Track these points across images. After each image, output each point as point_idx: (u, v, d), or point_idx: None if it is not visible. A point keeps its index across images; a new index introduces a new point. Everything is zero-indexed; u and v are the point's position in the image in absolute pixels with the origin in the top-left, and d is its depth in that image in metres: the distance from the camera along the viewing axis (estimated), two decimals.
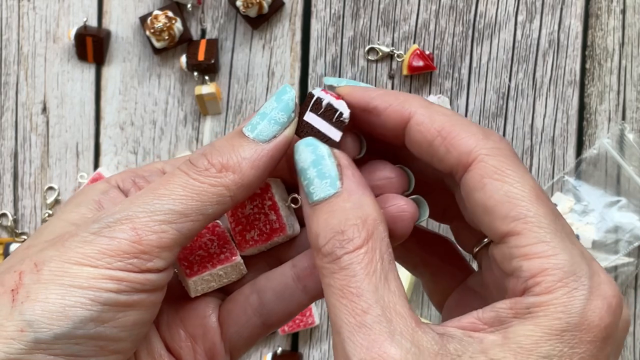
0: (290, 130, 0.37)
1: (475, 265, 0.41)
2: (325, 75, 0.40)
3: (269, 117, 0.36)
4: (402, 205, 0.37)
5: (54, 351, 0.33)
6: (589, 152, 0.79)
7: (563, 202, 0.79)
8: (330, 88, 0.38)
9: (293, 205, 0.40)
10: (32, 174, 0.81)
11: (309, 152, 0.36)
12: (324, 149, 0.36)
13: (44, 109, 0.81)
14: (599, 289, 0.33)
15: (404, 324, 0.32)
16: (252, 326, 0.39)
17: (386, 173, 0.38)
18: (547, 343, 0.31)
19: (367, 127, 0.38)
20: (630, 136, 0.79)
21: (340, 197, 0.35)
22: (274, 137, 0.36)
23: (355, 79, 0.80)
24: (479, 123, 0.79)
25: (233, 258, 0.40)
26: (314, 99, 0.37)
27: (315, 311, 0.79)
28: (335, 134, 0.37)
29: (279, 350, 0.80)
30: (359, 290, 0.32)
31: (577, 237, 0.78)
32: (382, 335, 0.31)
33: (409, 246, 0.40)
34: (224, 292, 0.41)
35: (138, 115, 0.81)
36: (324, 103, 0.37)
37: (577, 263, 0.33)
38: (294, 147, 0.37)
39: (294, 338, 0.81)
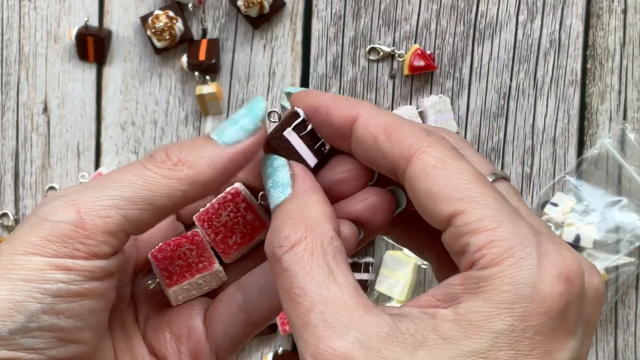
0: (255, 139, 0.37)
1: None
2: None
3: (237, 124, 0.37)
4: (379, 197, 0.37)
5: (12, 346, 0.33)
6: (590, 152, 0.79)
7: (564, 202, 0.79)
8: (288, 95, 0.39)
9: (263, 202, 0.40)
10: (33, 173, 0.82)
11: (267, 165, 0.37)
12: (280, 161, 0.37)
13: (45, 109, 0.81)
14: (549, 258, 0.32)
15: (349, 315, 0.32)
16: (237, 323, 0.40)
17: (346, 166, 0.38)
18: (496, 318, 0.31)
19: (317, 128, 0.38)
20: (631, 136, 0.79)
21: (287, 201, 0.36)
22: (238, 142, 0.37)
23: (356, 79, 0.80)
24: (480, 123, 0.79)
25: (211, 266, 0.40)
26: (300, 119, 0.38)
27: None
28: (312, 161, 0.38)
29: (280, 350, 0.80)
30: (301, 290, 0.33)
31: (578, 237, 0.78)
32: (327, 331, 0.32)
33: (414, 233, 0.40)
34: (212, 295, 0.41)
35: (139, 115, 0.81)
36: (309, 127, 0.38)
37: (523, 234, 0.32)
38: (260, 163, 0.38)
39: None
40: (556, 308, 0.31)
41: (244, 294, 0.40)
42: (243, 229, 0.40)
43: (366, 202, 0.37)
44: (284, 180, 0.37)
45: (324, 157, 0.38)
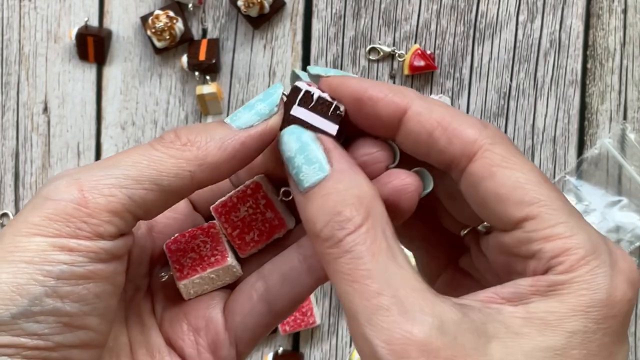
0: (270, 123, 0.36)
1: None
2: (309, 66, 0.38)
3: (252, 109, 0.36)
4: (405, 179, 0.36)
5: (16, 331, 0.32)
6: (590, 152, 0.79)
7: None
8: (316, 78, 0.37)
9: (285, 198, 0.39)
10: (34, 173, 0.81)
11: (293, 140, 0.35)
12: (307, 134, 0.35)
13: (45, 109, 0.81)
14: (618, 265, 0.33)
15: (421, 299, 0.31)
16: (258, 314, 0.38)
17: (367, 148, 0.36)
18: (572, 319, 0.31)
19: (358, 119, 0.36)
20: (631, 136, 0.79)
21: (332, 179, 0.34)
22: (251, 126, 0.36)
23: None
24: None
25: (224, 261, 0.39)
26: (303, 92, 0.36)
27: (317, 311, 0.79)
28: (332, 128, 0.36)
29: (280, 350, 0.80)
30: (369, 272, 0.31)
31: None
32: (402, 316, 0.30)
33: (409, 220, 0.39)
34: (232, 287, 0.40)
35: (139, 115, 0.81)
36: (315, 96, 0.36)
37: (595, 241, 0.33)
38: (278, 137, 0.36)
39: (295, 338, 0.81)
40: (623, 312, 0.32)
41: (265, 282, 0.38)
42: (261, 226, 0.39)
43: (392, 185, 0.36)
44: (318, 155, 0.34)
45: (342, 120, 0.36)
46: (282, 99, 0.36)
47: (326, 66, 0.80)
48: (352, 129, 0.37)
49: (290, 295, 0.38)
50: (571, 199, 0.79)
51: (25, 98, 0.81)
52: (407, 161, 0.37)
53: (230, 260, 0.39)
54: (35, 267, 0.33)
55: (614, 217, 0.79)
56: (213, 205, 0.39)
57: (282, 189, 0.39)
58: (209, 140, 0.35)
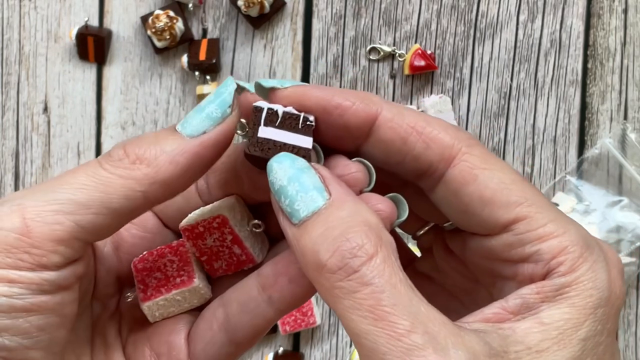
0: (222, 128, 0.33)
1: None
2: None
3: (204, 112, 0.33)
4: (376, 205, 0.33)
5: None
6: (590, 152, 0.79)
7: (565, 202, 0.79)
8: (265, 92, 0.34)
9: (255, 229, 0.37)
10: (34, 173, 0.81)
11: (285, 167, 0.32)
12: (300, 161, 0.32)
13: (45, 109, 0.81)
14: (609, 257, 0.32)
15: (450, 333, 0.29)
16: (219, 343, 0.35)
17: (341, 170, 0.33)
18: (584, 324, 0.30)
19: (322, 130, 0.34)
20: (632, 136, 0.78)
21: (333, 207, 0.31)
22: (204, 132, 0.33)
23: (356, 79, 0.80)
24: (481, 123, 0.79)
25: (190, 282, 0.36)
26: (265, 110, 0.33)
27: (317, 311, 0.79)
28: (306, 142, 0.33)
29: (281, 350, 0.80)
30: (394, 307, 0.28)
31: None
32: (438, 353, 0.28)
33: None
34: (201, 309, 0.37)
35: (139, 115, 0.81)
36: (280, 112, 0.33)
37: (585, 236, 0.32)
38: (267, 167, 0.32)
39: (296, 338, 0.81)
40: (619, 308, 0.31)
41: (225, 310, 0.35)
42: (229, 259, 0.37)
43: None
44: (316, 183, 0.31)
45: (314, 131, 0.33)
46: (235, 97, 0.33)
47: (326, 66, 0.80)
48: (316, 142, 0.35)
49: (250, 326, 0.35)
50: (572, 199, 0.79)
51: (25, 98, 0.81)
52: (379, 186, 0.34)
53: (197, 281, 0.36)
54: None
55: (614, 217, 0.79)
56: (181, 226, 0.37)
57: (252, 222, 0.37)
58: (159, 154, 0.33)
